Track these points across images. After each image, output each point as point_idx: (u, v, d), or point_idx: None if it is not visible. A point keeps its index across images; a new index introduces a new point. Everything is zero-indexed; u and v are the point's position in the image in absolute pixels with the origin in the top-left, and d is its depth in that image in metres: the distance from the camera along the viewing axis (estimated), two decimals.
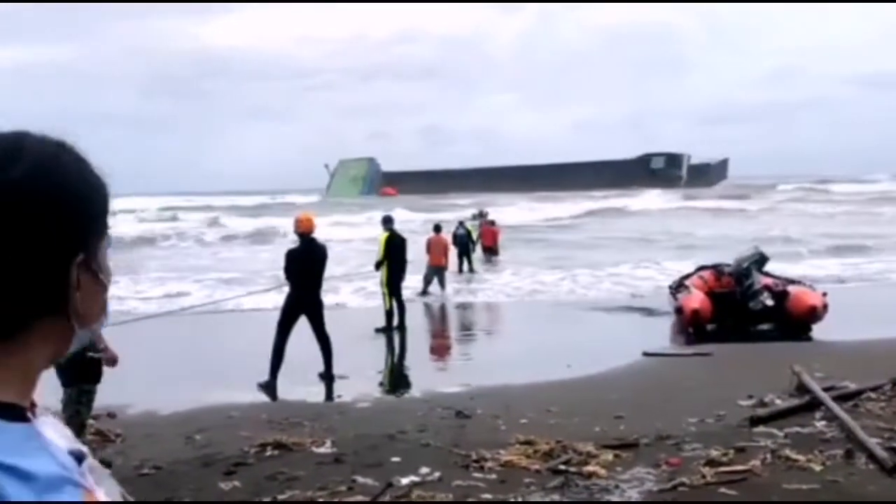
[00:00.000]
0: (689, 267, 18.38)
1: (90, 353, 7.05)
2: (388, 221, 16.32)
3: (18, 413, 1.11)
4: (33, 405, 1.16)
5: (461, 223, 26.68)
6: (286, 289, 11.59)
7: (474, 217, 30.92)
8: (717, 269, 16.61)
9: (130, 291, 19.94)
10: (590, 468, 6.94)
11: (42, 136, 1.16)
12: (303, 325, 11.39)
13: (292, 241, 11.92)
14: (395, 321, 15.71)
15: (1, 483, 1.04)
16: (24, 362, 1.12)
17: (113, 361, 7.18)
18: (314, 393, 10.92)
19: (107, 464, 7.39)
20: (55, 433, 1.16)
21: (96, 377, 7.20)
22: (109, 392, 7.75)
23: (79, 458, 1.15)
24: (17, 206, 1.08)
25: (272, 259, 19.88)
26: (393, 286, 15.68)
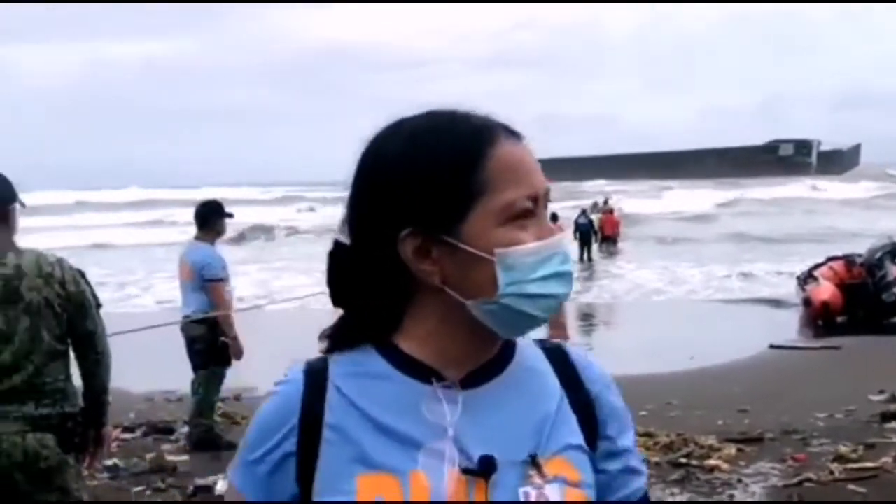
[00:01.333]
0: None
1: (222, 339, 7.40)
2: None
3: (421, 371, 1.20)
4: (475, 374, 1.22)
5: (584, 211, 26.55)
6: None
7: (595, 205, 30.69)
8: (848, 259, 16.10)
9: (256, 281, 20.55)
10: (711, 462, 6.87)
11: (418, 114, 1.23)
12: None
13: None
14: None
15: (342, 424, 1.18)
16: (419, 329, 1.22)
17: (239, 354, 7.52)
18: None
19: (232, 446, 7.69)
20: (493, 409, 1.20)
21: (226, 361, 7.52)
22: (236, 376, 8.05)
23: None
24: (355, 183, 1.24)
25: None
26: None
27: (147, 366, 8.45)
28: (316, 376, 1.22)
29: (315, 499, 1.18)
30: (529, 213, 1.18)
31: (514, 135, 1.21)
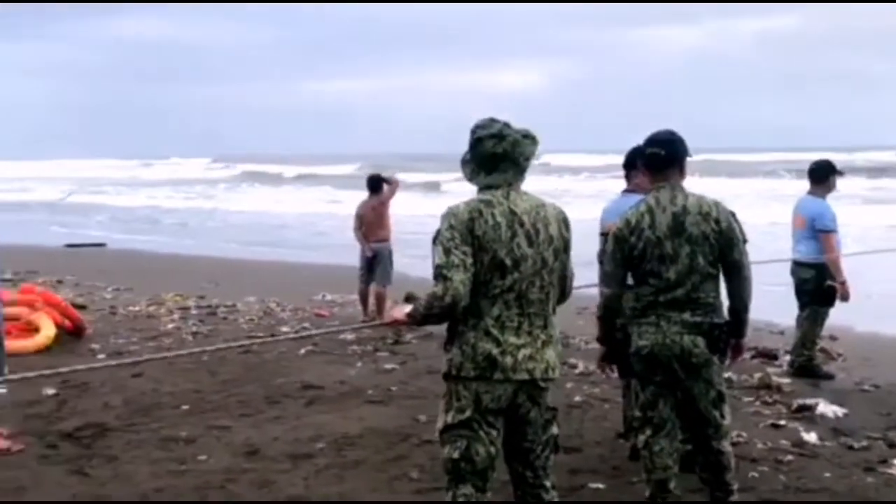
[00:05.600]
0: None
1: (829, 282, 7.28)
2: None
3: None
4: None
5: None
6: None
7: None
8: None
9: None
10: None
11: None
12: None
13: None
14: None
15: None
16: None
17: (846, 297, 7.29)
18: None
19: (829, 377, 7.56)
20: None
21: (829, 302, 7.39)
22: (836, 316, 7.81)
23: None
24: None
25: None
26: None
27: (759, 300, 8.58)
28: None
29: None
30: None
31: None
